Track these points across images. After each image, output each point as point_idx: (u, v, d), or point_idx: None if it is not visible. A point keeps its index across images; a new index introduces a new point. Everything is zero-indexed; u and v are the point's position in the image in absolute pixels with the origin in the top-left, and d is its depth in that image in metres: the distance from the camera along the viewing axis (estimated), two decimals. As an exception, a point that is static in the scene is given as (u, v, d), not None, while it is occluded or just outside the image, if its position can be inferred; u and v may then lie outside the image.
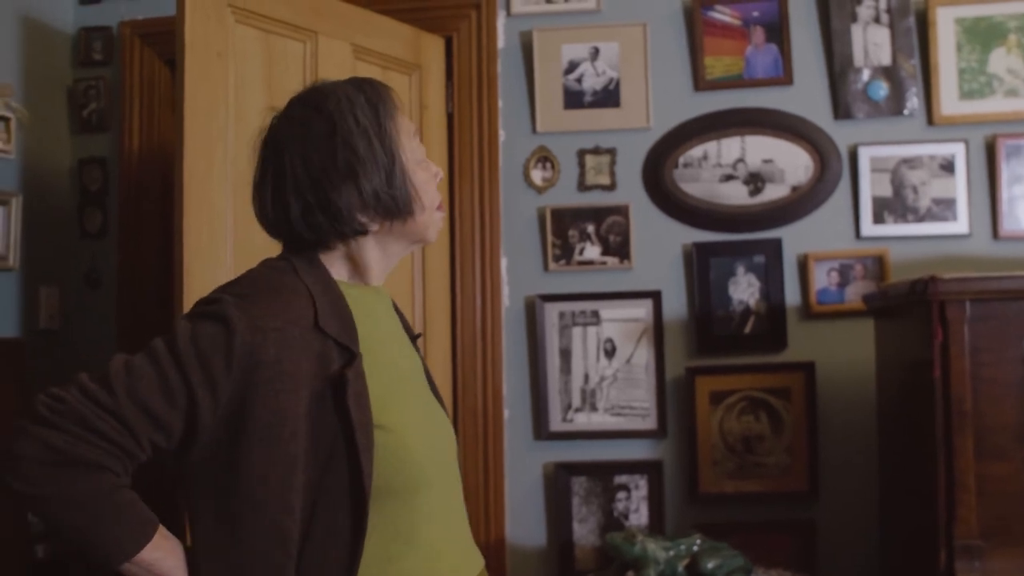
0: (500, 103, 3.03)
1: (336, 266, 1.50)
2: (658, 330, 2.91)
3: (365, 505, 1.34)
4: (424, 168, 1.53)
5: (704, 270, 2.90)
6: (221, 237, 2.37)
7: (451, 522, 1.50)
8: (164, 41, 3.04)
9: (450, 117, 3.04)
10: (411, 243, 1.54)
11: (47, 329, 3.09)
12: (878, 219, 2.85)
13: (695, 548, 2.51)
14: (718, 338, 2.90)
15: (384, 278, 1.57)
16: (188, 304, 2.23)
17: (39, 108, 3.09)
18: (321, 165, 1.43)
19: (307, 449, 1.34)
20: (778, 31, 2.92)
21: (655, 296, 2.92)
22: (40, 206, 3.07)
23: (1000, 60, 2.83)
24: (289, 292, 1.40)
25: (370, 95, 1.49)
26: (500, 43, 3.05)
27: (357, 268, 1.52)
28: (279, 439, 1.32)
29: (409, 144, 1.51)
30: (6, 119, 2.92)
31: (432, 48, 3.01)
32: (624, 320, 2.93)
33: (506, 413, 2.98)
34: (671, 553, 2.48)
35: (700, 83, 2.95)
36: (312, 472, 1.34)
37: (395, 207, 1.47)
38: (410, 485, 1.41)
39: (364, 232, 1.48)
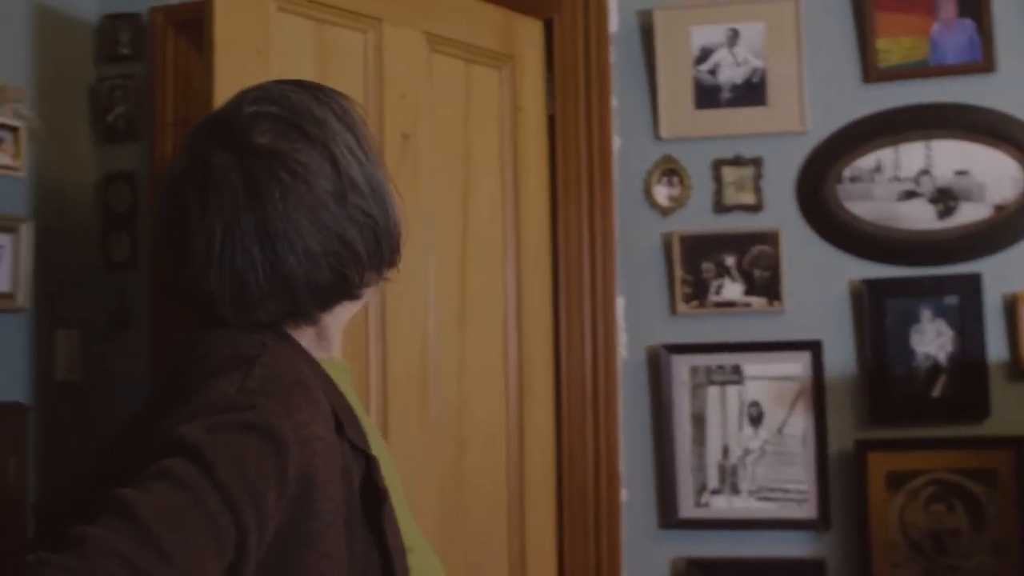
0: (614, 102, 2.63)
1: (304, 340, 1.24)
2: (818, 391, 2.46)
3: None
4: (396, 198, 1.28)
5: (878, 315, 2.44)
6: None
7: None
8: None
9: (551, 120, 2.68)
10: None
11: (65, 381, 2.67)
12: (1114, 250, 2.29)
13: None
14: (897, 403, 2.42)
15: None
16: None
17: (55, 114, 2.70)
18: (334, 214, 1.18)
19: None
20: (975, 3, 2.42)
21: (814, 347, 2.47)
22: (56, 233, 2.68)
23: None
24: (313, 386, 1.12)
25: (337, 111, 1.23)
26: (613, 27, 2.65)
27: (321, 339, 1.27)
28: None
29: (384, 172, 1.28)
30: (14, 129, 2.53)
31: (528, 35, 2.63)
32: (774, 378, 2.50)
33: (624, 494, 2.57)
34: None
35: (871, 73, 2.49)
36: None
37: (392, 258, 1.26)
38: None
39: (358, 297, 1.25)
